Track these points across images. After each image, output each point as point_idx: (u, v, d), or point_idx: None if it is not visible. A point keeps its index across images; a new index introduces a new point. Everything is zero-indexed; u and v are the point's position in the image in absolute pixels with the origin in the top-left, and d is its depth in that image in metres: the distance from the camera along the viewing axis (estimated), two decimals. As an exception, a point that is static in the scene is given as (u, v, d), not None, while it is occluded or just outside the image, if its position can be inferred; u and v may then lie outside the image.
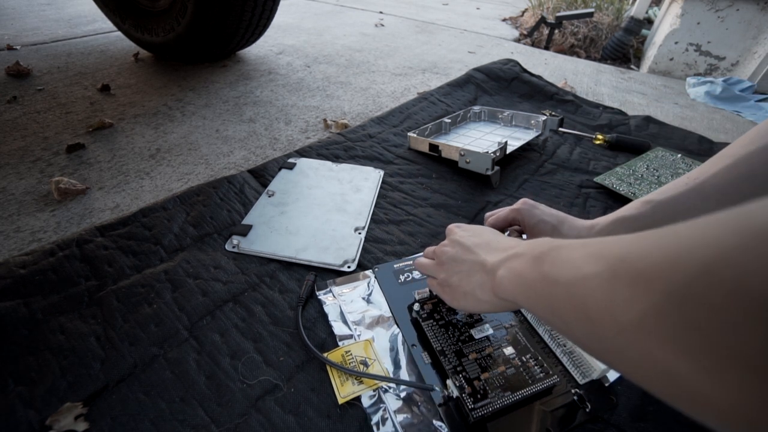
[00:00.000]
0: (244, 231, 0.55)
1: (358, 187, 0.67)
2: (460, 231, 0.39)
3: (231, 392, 0.37)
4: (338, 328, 0.43)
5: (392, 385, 0.38)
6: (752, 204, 0.15)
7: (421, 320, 0.43)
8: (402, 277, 0.50)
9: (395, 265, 0.51)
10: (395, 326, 0.44)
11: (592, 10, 1.95)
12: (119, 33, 1.32)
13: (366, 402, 0.37)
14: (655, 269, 0.17)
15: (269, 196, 0.63)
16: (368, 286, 0.49)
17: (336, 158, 0.75)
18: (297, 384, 0.38)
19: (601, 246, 0.22)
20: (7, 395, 0.35)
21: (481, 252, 0.34)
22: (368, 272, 0.50)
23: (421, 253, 0.53)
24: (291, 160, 0.72)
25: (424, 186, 0.70)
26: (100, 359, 0.39)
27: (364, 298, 0.47)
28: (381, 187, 0.68)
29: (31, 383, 0.36)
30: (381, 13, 2.15)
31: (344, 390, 0.37)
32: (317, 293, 0.47)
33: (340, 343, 0.42)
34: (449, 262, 0.37)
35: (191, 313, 0.44)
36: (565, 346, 0.41)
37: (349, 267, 0.51)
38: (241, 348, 0.41)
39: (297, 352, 0.41)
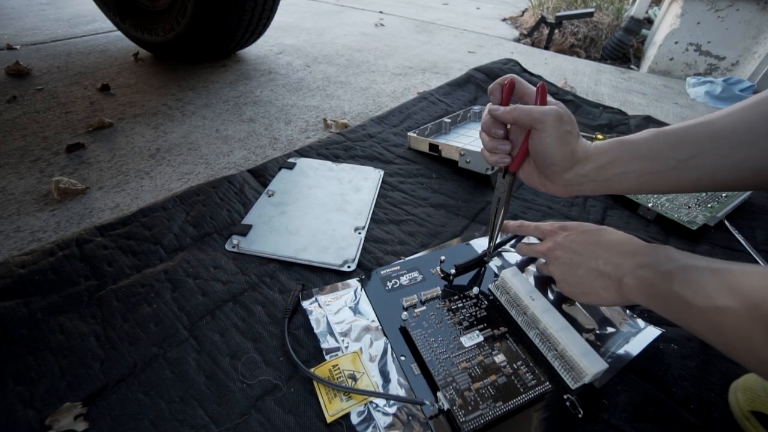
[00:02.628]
0: (244, 231, 0.55)
1: (358, 186, 0.67)
2: (566, 234, 0.43)
3: (231, 392, 0.37)
4: (325, 341, 0.42)
5: (382, 400, 0.37)
6: None
7: (409, 329, 0.42)
8: (389, 284, 0.48)
9: (382, 272, 0.50)
10: (383, 337, 0.43)
11: (592, 9, 1.95)
12: (119, 33, 1.31)
13: (355, 419, 0.36)
14: None
15: (269, 196, 0.63)
16: (355, 294, 0.47)
17: (336, 158, 0.75)
18: (297, 384, 0.38)
19: (731, 278, 0.26)
20: (7, 395, 0.35)
21: (597, 260, 0.38)
22: (354, 281, 0.49)
23: (414, 255, 0.53)
24: (291, 160, 0.72)
25: (424, 186, 0.70)
26: (100, 359, 0.39)
27: (351, 308, 0.45)
28: (381, 187, 0.68)
29: (31, 383, 0.36)
30: (381, 12, 2.15)
31: (332, 407, 0.36)
32: (302, 303, 0.46)
33: (327, 357, 0.40)
34: (563, 267, 0.41)
35: (191, 312, 0.44)
36: (555, 350, 0.40)
37: (349, 267, 0.51)
38: (240, 348, 0.41)
39: (297, 353, 0.41)
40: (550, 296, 0.48)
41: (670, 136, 0.34)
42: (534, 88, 0.39)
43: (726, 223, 0.64)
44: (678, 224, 0.62)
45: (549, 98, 0.38)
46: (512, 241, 0.53)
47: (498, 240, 0.49)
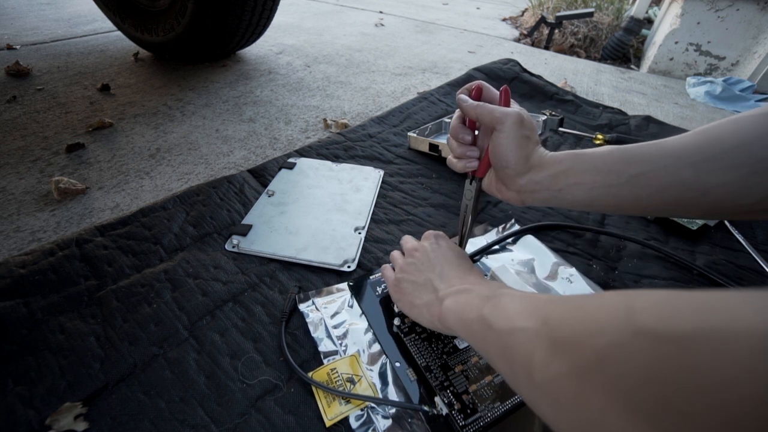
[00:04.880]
0: (244, 231, 0.55)
1: (358, 186, 0.67)
2: (432, 241, 0.42)
3: (231, 392, 0.37)
4: (323, 344, 0.42)
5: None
6: (638, 298, 0.19)
7: (402, 335, 0.42)
8: (379, 289, 0.48)
9: (371, 277, 0.49)
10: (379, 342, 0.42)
11: (592, 9, 1.95)
12: (119, 33, 1.31)
13: (354, 423, 0.35)
14: (567, 342, 0.20)
15: (269, 196, 0.63)
16: (352, 296, 0.47)
17: (336, 158, 0.75)
18: (297, 384, 0.38)
19: (535, 302, 0.25)
20: (7, 395, 0.35)
21: (438, 276, 0.37)
22: (342, 285, 0.48)
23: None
24: (291, 160, 0.72)
25: (424, 186, 0.70)
26: (100, 359, 0.39)
27: (348, 310, 0.45)
28: (381, 187, 0.68)
29: (31, 383, 0.36)
30: (381, 12, 2.15)
31: (331, 411, 0.36)
32: (299, 306, 0.45)
33: (325, 361, 0.40)
34: (408, 267, 0.40)
35: (191, 312, 0.44)
36: None
37: (349, 267, 0.51)
38: (241, 348, 0.41)
39: (297, 353, 0.41)
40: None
41: (624, 152, 0.34)
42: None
43: (726, 223, 0.64)
44: (678, 224, 0.62)
45: (513, 103, 0.39)
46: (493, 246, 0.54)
47: (468, 245, 0.49)
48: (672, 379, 0.15)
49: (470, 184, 0.43)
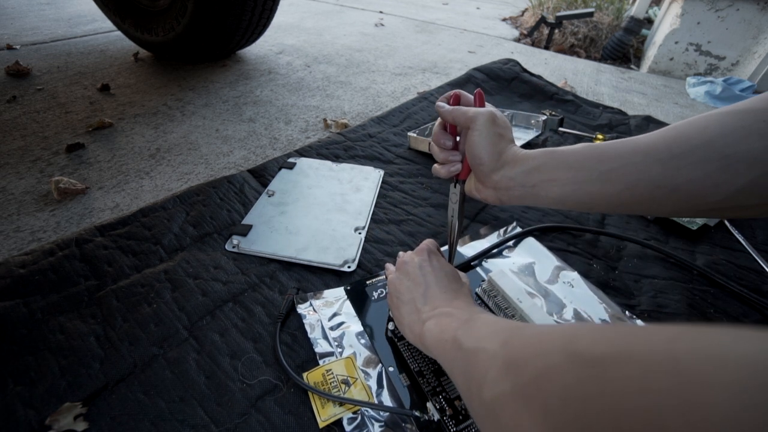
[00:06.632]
0: (244, 231, 0.55)
1: (358, 186, 0.67)
2: (423, 257, 0.41)
3: (231, 392, 0.37)
4: (319, 345, 0.41)
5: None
6: (582, 327, 0.20)
7: (396, 339, 0.42)
8: (375, 294, 0.48)
9: (367, 282, 0.49)
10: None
11: (592, 9, 1.95)
12: (119, 32, 1.31)
13: (347, 426, 0.35)
14: (516, 363, 0.21)
15: (269, 196, 0.63)
16: (348, 300, 0.47)
17: (336, 158, 0.75)
18: (296, 384, 0.38)
19: (504, 327, 0.27)
20: (7, 395, 0.35)
21: (422, 296, 0.38)
22: (339, 289, 0.48)
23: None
24: (291, 160, 0.72)
25: (424, 186, 0.70)
26: (100, 359, 0.39)
27: (345, 313, 0.45)
28: (381, 187, 0.68)
29: (31, 383, 0.36)
30: (381, 12, 2.15)
31: (325, 413, 0.36)
32: (297, 307, 0.45)
33: (321, 361, 0.40)
34: (398, 283, 0.41)
35: (191, 312, 0.44)
36: None
37: (349, 267, 0.51)
38: (240, 348, 0.41)
39: (297, 353, 0.41)
40: (544, 299, 0.48)
41: (596, 149, 0.35)
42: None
43: (726, 223, 0.64)
44: (678, 224, 0.62)
45: (488, 105, 0.40)
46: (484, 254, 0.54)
47: (469, 248, 0.48)
48: (588, 397, 0.16)
49: (454, 187, 0.44)
